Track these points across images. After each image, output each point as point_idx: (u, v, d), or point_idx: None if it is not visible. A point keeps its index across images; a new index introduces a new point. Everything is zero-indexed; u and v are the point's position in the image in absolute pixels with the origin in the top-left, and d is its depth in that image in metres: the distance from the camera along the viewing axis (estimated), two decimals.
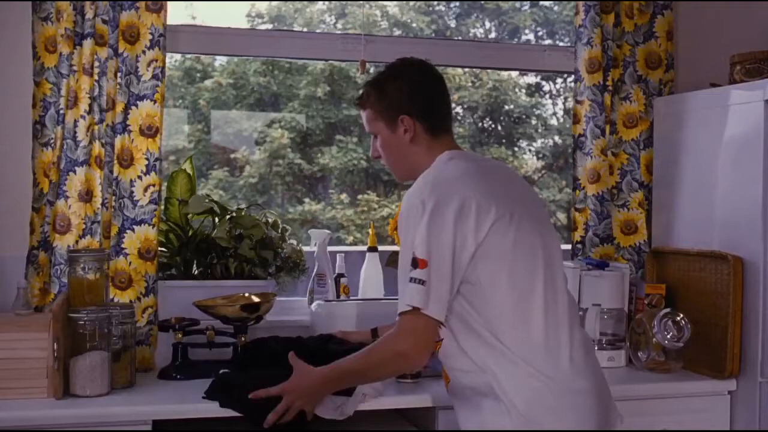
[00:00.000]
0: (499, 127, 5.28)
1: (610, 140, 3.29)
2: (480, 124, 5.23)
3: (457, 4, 4.59)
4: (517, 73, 5.10)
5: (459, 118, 5.20)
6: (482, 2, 4.57)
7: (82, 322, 2.55)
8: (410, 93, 2.38)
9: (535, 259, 2.23)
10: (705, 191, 3.07)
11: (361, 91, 2.48)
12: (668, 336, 2.90)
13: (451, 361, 2.25)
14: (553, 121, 5.20)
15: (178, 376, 2.78)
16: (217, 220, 3.06)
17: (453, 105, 5.27)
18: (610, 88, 3.27)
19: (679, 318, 2.92)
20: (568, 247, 3.45)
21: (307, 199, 4.70)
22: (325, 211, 4.70)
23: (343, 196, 4.71)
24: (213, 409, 2.49)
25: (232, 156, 4.73)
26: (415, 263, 2.12)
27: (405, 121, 2.36)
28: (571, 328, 2.23)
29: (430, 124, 2.38)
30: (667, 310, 2.95)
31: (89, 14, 2.84)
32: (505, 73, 4.92)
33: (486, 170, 2.33)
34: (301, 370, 2.36)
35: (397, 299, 2.98)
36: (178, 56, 4.33)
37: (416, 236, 2.13)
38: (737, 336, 2.84)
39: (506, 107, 5.13)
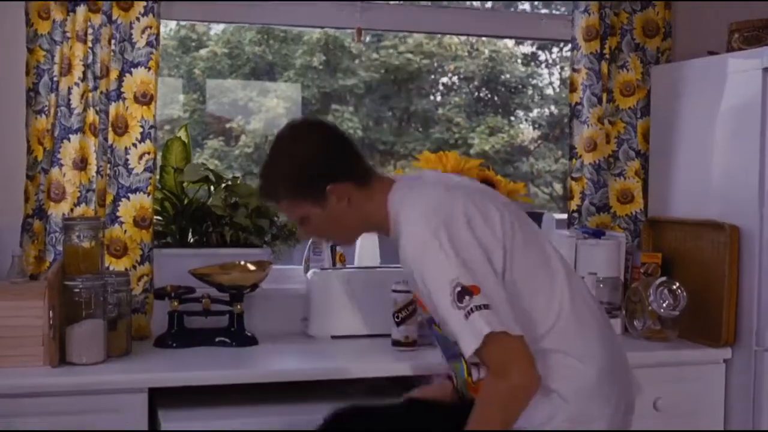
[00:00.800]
0: (496, 98, 5.28)
1: (607, 108, 3.27)
2: (476, 94, 5.22)
3: None
4: (513, 42, 5.09)
5: (455, 88, 5.19)
6: None
7: (78, 290, 2.55)
8: (323, 157, 2.11)
9: (543, 244, 2.16)
10: (702, 160, 3.06)
11: (259, 184, 2.19)
12: (664, 304, 2.91)
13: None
14: (549, 91, 5.20)
15: (174, 344, 2.78)
16: (212, 188, 3.05)
17: (449, 75, 5.26)
18: (608, 56, 3.25)
19: (675, 287, 2.92)
20: (564, 216, 3.45)
21: None
22: None
23: None
24: (209, 377, 2.51)
25: (228, 126, 4.73)
26: (468, 292, 1.89)
27: (335, 190, 2.09)
28: (592, 304, 2.17)
29: (358, 177, 2.13)
30: (663, 278, 2.96)
31: None
32: (501, 43, 4.91)
33: (444, 180, 2.18)
34: None
35: (390, 267, 3.03)
36: (172, 25, 4.31)
37: (451, 268, 1.93)
38: (733, 305, 2.84)
39: (503, 77, 5.12)
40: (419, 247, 1.98)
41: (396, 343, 2.78)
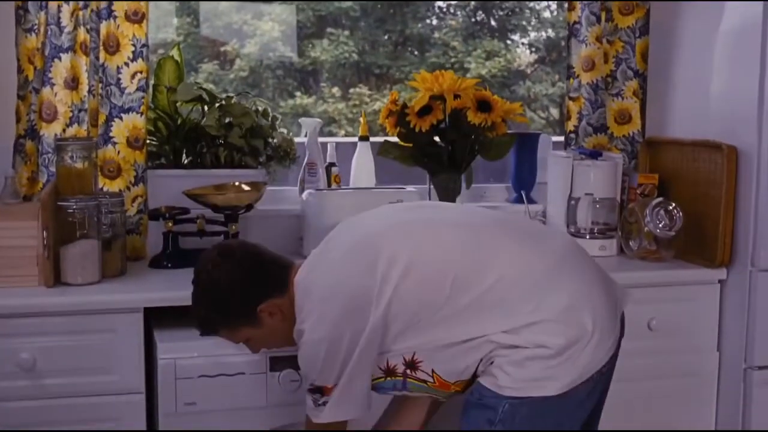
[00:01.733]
0: (492, 21, 5.21)
1: (606, 27, 3.23)
2: (473, 18, 5.16)
3: None
4: None
5: (451, 11, 5.12)
6: None
7: (71, 211, 2.53)
8: (245, 283, 2.13)
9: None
10: (701, 80, 3.03)
11: (195, 319, 2.21)
12: (660, 225, 2.90)
13: (454, 365, 2.07)
14: (547, 14, 5.13)
15: (169, 265, 2.78)
16: (206, 108, 3.02)
17: None
18: None
19: (671, 207, 2.92)
20: (561, 138, 3.43)
21: (298, 93, 4.66)
22: (317, 105, 4.67)
23: (335, 89, 4.67)
24: None
25: (222, 49, 4.67)
26: (320, 390, 2.06)
27: (266, 308, 2.13)
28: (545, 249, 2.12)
29: (281, 288, 2.15)
30: (660, 199, 2.95)
31: None
32: None
33: (332, 249, 2.16)
34: None
35: (386, 188, 3.02)
36: None
37: (312, 369, 2.06)
38: (729, 225, 2.84)
39: (499, 0, 5.05)
40: (300, 347, 2.08)
41: None
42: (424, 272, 2.03)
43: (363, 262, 2.05)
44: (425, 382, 2.08)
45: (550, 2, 5.02)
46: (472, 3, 5.00)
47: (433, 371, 2.06)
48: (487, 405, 2.02)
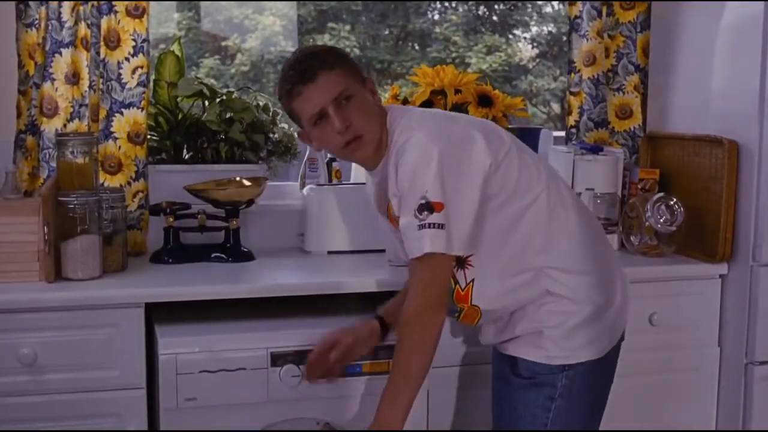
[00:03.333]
0: (494, 16, 5.21)
1: (607, 22, 3.23)
2: (474, 13, 5.16)
3: None
4: None
5: (452, 6, 5.12)
6: None
7: (72, 206, 2.53)
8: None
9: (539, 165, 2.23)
10: (702, 75, 3.02)
11: (304, 60, 2.14)
12: (661, 220, 2.90)
13: (491, 290, 2.17)
14: (548, 9, 5.13)
15: (170, 260, 2.78)
16: (206, 103, 3.02)
17: None
18: None
19: (672, 202, 2.91)
20: (562, 133, 3.42)
21: None
22: None
23: None
24: (205, 292, 2.51)
25: (223, 44, 4.67)
26: (430, 208, 2.00)
27: (371, 84, 2.19)
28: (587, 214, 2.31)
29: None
30: (661, 194, 2.95)
31: None
32: None
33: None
34: None
35: None
36: None
37: (428, 181, 2.02)
38: (730, 220, 2.84)
39: None
40: (411, 157, 2.05)
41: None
42: (529, 158, 2.20)
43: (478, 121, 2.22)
44: (455, 284, 2.17)
45: None
46: None
47: (472, 281, 2.17)
48: (543, 383, 2.15)
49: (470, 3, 5.07)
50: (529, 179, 2.15)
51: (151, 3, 2.88)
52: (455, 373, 2.66)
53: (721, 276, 2.89)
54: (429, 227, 2.00)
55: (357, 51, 4.69)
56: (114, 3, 2.81)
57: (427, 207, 2.00)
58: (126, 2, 2.81)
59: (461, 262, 2.14)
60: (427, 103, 2.97)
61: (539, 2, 5.03)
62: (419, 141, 2.05)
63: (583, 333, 2.16)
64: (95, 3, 2.80)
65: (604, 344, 2.20)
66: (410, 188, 2.04)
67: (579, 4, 3.20)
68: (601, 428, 2.30)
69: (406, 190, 2.06)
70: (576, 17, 3.22)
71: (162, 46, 3.82)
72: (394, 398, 2.07)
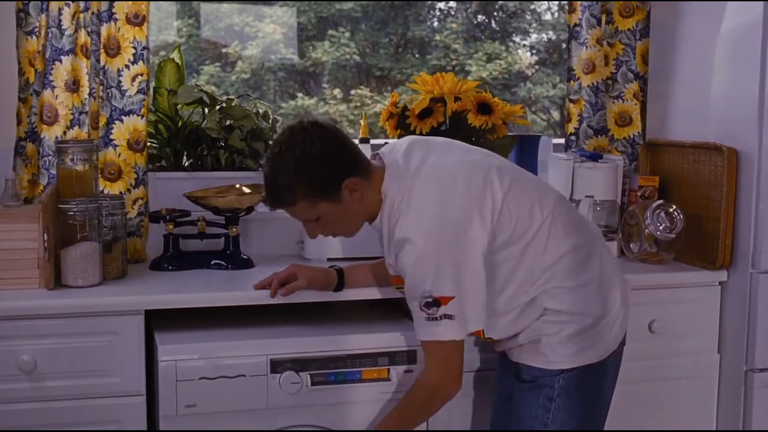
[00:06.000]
0: (493, 23, 5.22)
1: (606, 30, 3.23)
2: (474, 20, 5.17)
3: None
4: None
5: (452, 13, 5.13)
6: None
7: (72, 213, 2.53)
8: (335, 153, 2.19)
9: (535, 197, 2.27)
10: (701, 83, 3.03)
11: (268, 193, 2.24)
12: (660, 227, 2.90)
13: (499, 323, 2.27)
14: (548, 17, 5.14)
15: (170, 267, 2.78)
16: (206, 110, 3.02)
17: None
18: None
19: (671, 209, 2.91)
20: (562, 140, 3.43)
21: (300, 95, 4.67)
22: (318, 107, 4.67)
23: (336, 91, 4.68)
24: (205, 299, 2.51)
25: (224, 51, 4.68)
26: (437, 303, 2.11)
27: (350, 184, 2.18)
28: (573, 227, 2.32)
29: (364, 170, 2.23)
30: (660, 201, 2.95)
31: None
32: None
33: (434, 168, 2.22)
34: None
35: None
36: None
37: (428, 279, 2.11)
38: (729, 227, 2.84)
39: (500, 1, 5.06)
40: (409, 256, 2.13)
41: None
42: (528, 186, 2.26)
43: (473, 175, 2.19)
44: None
45: (551, 3, 5.03)
46: (473, 5, 5.00)
47: None
48: (543, 384, 2.24)
49: (469, 11, 5.08)
50: (528, 219, 2.20)
51: (152, 10, 2.88)
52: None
53: (720, 283, 2.89)
54: (441, 319, 2.13)
55: (357, 58, 4.71)
56: (114, 10, 2.81)
57: (435, 303, 2.12)
58: (126, 6, 2.82)
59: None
60: (427, 111, 2.97)
61: (538, 10, 5.04)
62: (415, 243, 2.12)
63: (579, 340, 2.22)
64: (95, 10, 2.80)
65: (601, 350, 2.27)
66: (413, 286, 2.15)
67: (578, 12, 3.21)
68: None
69: (406, 279, 2.17)
70: (575, 25, 3.23)
71: (162, 53, 3.82)
72: None
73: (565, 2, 3.32)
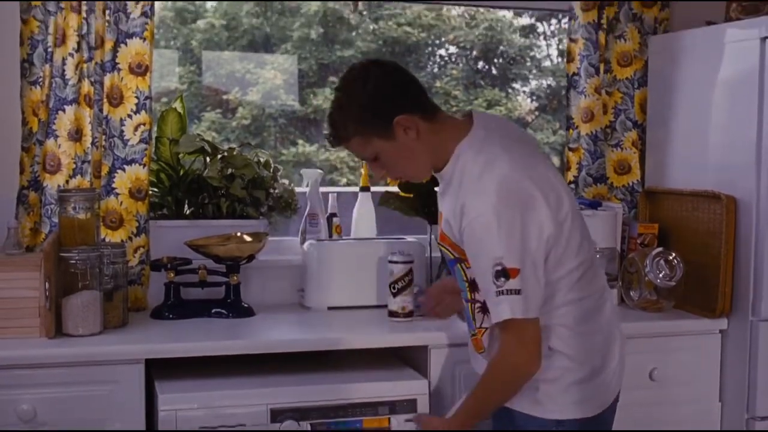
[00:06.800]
0: (494, 69, 5.25)
1: (604, 79, 3.26)
2: (474, 66, 5.21)
3: None
4: (511, 14, 5.06)
5: (453, 59, 5.17)
6: None
7: (74, 262, 2.55)
8: (388, 90, 2.17)
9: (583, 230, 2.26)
10: (699, 131, 3.05)
11: (329, 129, 2.25)
12: (660, 275, 2.91)
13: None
14: (547, 63, 5.18)
15: (171, 316, 2.79)
16: (208, 159, 3.04)
17: (447, 47, 5.24)
18: (605, 26, 3.24)
19: (671, 257, 2.92)
20: None
21: (300, 141, 4.69)
22: (319, 153, 4.70)
23: None
24: (206, 348, 2.51)
25: (225, 97, 4.71)
26: (506, 274, 2.05)
27: (402, 121, 2.14)
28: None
29: (423, 110, 2.19)
30: (660, 249, 2.95)
31: None
32: (500, 13, 4.88)
33: (524, 151, 2.22)
34: (426, 423, 2.32)
35: (387, 238, 3.04)
36: None
37: (500, 247, 2.05)
38: (729, 275, 2.84)
39: (501, 48, 5.10)
40: (482, 219, 2.07)
41: (392, 314, 2.78)
42: (581, 219, 2.25)
43: (552, 188, 2.16)
44: (475, 323, 2.26)
45: (551, 49, 5.07)
46: (474, 51, 5.04)
47: (486, 329, 2.24)
48: None
49: (469, 58, 5.12)
50: (576, 251, 2.18)
51: (154, 56, 2.91)
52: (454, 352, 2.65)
53: (721, 331, 2.88)
54: (507, 293, 2.06)
55: None
56: (117, 60, 2.84)
57: (503, 273, 2.05)
58: (129, 57, 2.85)
59: (485, 310, 2.19)
60: None
61: (538, 56, 5.08)
62: (489, 203, 2.06)
63: (578, 390, 2.19)
64: (99, 60, 2.83)
65: (597, 404, 2.23)
66: (484, 254, 2.09)
67: (576, 61, 3.24)
68: None
69: (475, 250, 2.11)
70: (574, 74, 3.26)
71: (164, 99, 3.85)
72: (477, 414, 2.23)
73: (564, 48, 3.35)
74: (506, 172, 2.09)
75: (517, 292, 2.05)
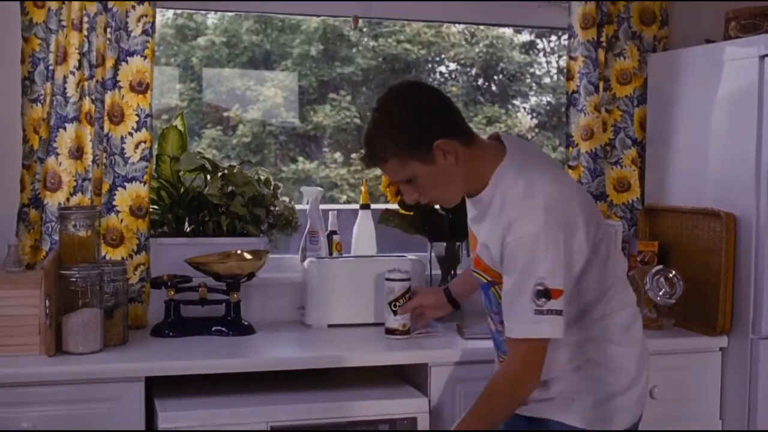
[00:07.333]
0: (493, 86, 5.26)
1: (604, 97, 3.27)
2: (474, 83, 5.21)
3: None
4: (511, 31, 5.07)
5: (453, 76, 5.17)
6: None
7: (74, 279, 2.55)
8: (429, 113, 2.14)
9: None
10: (698, 148, 3.05)
11: (365, 149, 2.21)
12: (660, 293, 2.91)
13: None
14: (547, 80, 5.18)
15: (171, 333, 2.78)
16: (208, 177, 3.04)
17: (447, 64, 5.25)
18: (604, 44, 3.25)
19: (671, 275, 2.92)
20: None
21: (300, 158, 4.69)
22: (319, 170, 4.69)
23: (337, 154, 4.70)
24: (206, 366, 2.51)
25: (225, 114, 4.71)
26: (548, 294, 2.04)
27: (442, 145, 2.12)
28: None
29: (463, 135, 2.17)
30: (660, 267, 2.95)
31: None
32: (500, 30, 4.88)
33: (558, 172, 2.27)
34: None
35: (387, 256, 3.04)
36: (170, 14, 4.30)
37: (544, 267, 2.05)
38: (729, 293, 2.84)
39: (501, 65, 5.10)
40: (531, 237, 2.05)
41: (391, 332, 2.78)
42: (609, 248, 2.24)
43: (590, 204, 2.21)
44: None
45: (551, 66, 5.07)
46: (474, 68, 5.05)
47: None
48: None
49: (469, 74, 5.13)
50: (606, 276, 2.19)
51: (155, 73, 2.92)
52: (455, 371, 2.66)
53: (721, 349, 2.89)
54: (548, 314, 2.05)
55: (358, 121, 4.74)
56: (118, 78, 2.85)
57: (545, 294, 2.04)
58: (130, 75, 2.86)
59: None
60: None
61: (538, 73, 5.09)
62: (537, 222, 2.06)
63: (614, 403, 2.20)
64: (100, 78, 2.84)
65: (629, 417, 2.24)
66: (526, 272, 2.06)
67: (576, 79, 3.25)
68: None
69: (516, 267, 2.08)
70: (573, 92, 3.26)
71: (165, 116, 3.85)
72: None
73: (564, 65, 3.36)
74: (548, 192, 2.09)
75: (559, 312, 2.05)
